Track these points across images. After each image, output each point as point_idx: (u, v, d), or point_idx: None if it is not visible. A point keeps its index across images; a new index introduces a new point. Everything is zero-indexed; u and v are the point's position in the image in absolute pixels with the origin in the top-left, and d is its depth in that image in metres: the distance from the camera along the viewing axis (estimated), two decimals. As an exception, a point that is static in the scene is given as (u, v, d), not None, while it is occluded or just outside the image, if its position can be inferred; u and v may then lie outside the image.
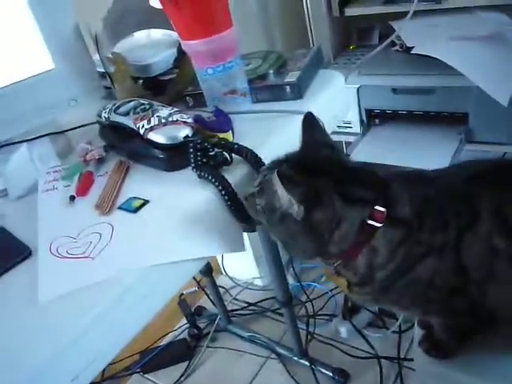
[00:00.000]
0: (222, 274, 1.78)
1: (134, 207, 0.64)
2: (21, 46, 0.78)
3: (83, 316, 0.50)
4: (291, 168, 0.58)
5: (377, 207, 0.57)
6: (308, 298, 1.62)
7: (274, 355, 1.54)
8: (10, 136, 0.82)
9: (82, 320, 0.50)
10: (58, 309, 0.52)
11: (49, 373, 0.48)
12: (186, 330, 1.67)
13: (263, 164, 0.66)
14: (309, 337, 1.51)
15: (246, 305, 1.72)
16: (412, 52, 1.30)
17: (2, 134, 0.80)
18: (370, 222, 0.57)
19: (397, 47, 1.44)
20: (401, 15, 1.37)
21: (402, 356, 1.39)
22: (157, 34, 1.00)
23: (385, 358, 1.40)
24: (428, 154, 1.26)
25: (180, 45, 0.80)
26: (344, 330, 1.50)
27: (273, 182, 0.56)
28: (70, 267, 0.57)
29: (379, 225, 0.57)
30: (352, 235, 0.58)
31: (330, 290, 1.66)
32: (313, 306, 1.62)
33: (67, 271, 0.57)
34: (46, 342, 0.49)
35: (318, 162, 0.60)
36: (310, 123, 0.64)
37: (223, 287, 1.76)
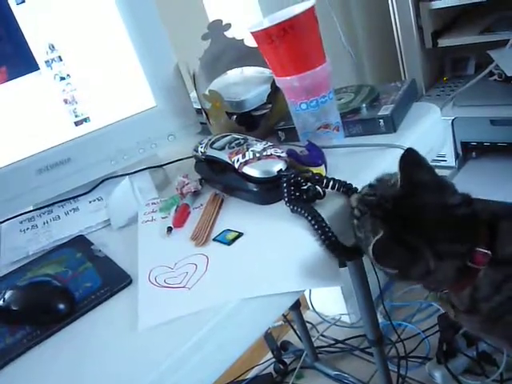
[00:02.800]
0: (309, 309, 1.75)
1: (229, 239, 0.65)
2: (126, 86, 0.84)
3: (181, 345, 0.51)
4: (389, 217, 0.57)
5: (479, 249, 0.56)
6: (399, 337, 1.55)
7: (362, 397, 1.47)
8: (114, 169, 0.87)
9: (180, 348, 0.51)
10: (156, 337, 0.53)
11: (147, 400, 0.49)
12: (272, 365, 1.65)
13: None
14: (400, 379, 1.44)
15: (333, 342, 1.67)
16: (513, 82, 1.23)
17: (107, 168, 0.85)
18: (470, 264, 0.56)
19: (495, 77, 1.38)
20: (498, 44, 1.32)
21: (504, 407, 1.28)
22: (249, 71, 1.03)
23: (485, 408, 1.30)
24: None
25: (274, 81, 0.82)
26: (439, 375, 1.41)
27: (368, 250, 0.56)
28: (168, 296, 0.59)
29: (481, 267, 0.56)
30: (449, 279, 0.58)
31: (423, 331, 1.58)
32: (404, 347, 1.54)
33: (165, 300, 0.58)
34: (146, 368, 0.50)
35: (415, 211, 0.58)
36: (411, 161, 0.60)
37: (310, 322, 1.73)
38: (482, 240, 0.56)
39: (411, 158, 0.60)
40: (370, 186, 0.63)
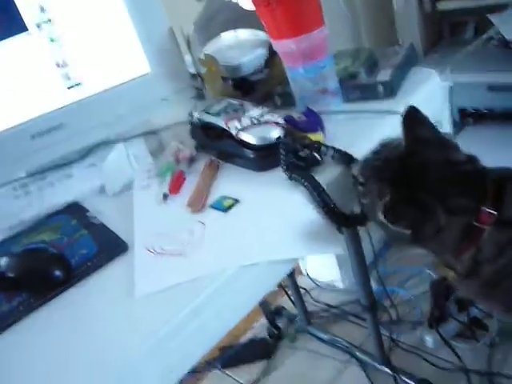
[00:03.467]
0: (302, 274, 1.77)
1: (225, 206, 0.65)
2: (119, 50, 0.82)
3: (178, 312, 0.51)
4: (396, 177, 0.57)
5: (485, 209, 0.55)
6: (392, 303, 1.57)
7: (354, 360, 1.50)
8: (108, 135, 0.86)
9: (177, 315, 0.51)
10: (153, 304, 0.54)
11: (145, 365, 0.50)
12: (266, 329, 1.68)
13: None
14: (392, 344, 1.46)
15: (326, 307, 1.70)
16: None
17: (101, 133, 0.84)
18: (475, 223, 0.56)
19: (494, 42, 1.36)
20: (498, 8, 1.30)
21: (493, 371, 1.31)
22: (244, 34, 1.01)
23: (474, 371, 1.33)
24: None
25: (270, 45, 0.80)
26: (430, 340, 1.44)
27: (377, 214, 0.56)
28: (164, 263, 0.59)
29: (486, 227, 0.56)
30: (455, 238, 0.57)
31: (415, 297, 1.60)
32: (397, 312, 1.56)
33: (162, 267, 0.58)
34: (143, 334, 0.51)
35: (422, 168, 0.57)
36: (413, 119, 0.60)
37: (304, 288, 1.75)
38: (489, 199, 0.56)
39: (414, 116, 0.60)
40: (374, 152, 0.62)
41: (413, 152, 0.58)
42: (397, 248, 1.66)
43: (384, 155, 0.60)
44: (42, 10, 0.76)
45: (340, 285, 1.76)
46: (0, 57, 0.75)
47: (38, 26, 0.76)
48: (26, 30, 0.75)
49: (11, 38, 0.75)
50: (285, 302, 1.73)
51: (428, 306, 1.49)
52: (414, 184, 0.56)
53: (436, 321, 1.44)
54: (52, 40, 0.77)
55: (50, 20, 0.76)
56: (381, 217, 0.55)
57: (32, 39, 0.76)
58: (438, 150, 0.59)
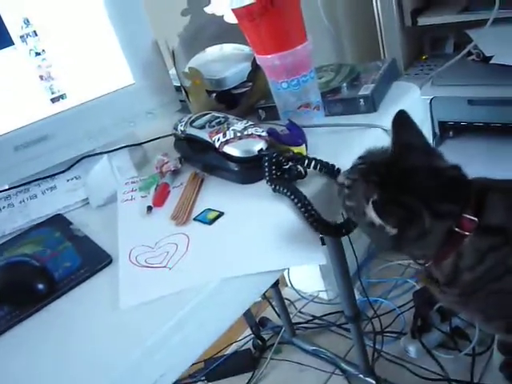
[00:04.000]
0: (287, 286, 1.77)
1: (210, 219, 0.65)
2: (103, 62, 0.82)
3: (162, 324, 0.51)
4: (382, 179, 0.58)
5: (466, 216, 0.57)
6: (375, 313, 1.58)
7: (338, 371, 1.51)
8: (92, 148, 0.86)
9: (161, 328, 0.51)
10: (138, 316, 0.54)
11: (130, 377, 0.50)
12: (250, 341, 1.68)
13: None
14: (375, 354, 1.47)
15: (311, 318, 1.70)
16: (491, 62, 1.25)
17: (85, 146, 0.84)
18: (457, 229, 0.57)
19: (473, 57, 1.39)
20: (477, 23, 1.33)
21: (475, 381, 1.32)
22: (228, 48, 1.02)
23: (456, 381, 1.34)
24: (508, 167, 1.20)
25: (254, 59, 0.81)
26: (413, 349, 1.45)
27: (365, 211, 0.57)
28: (149, 276, 0.59)
29: (467, 233, 0.57)
30: (437, 244, 0.58)
31: (399, 307, 1.61)
32: (380, 323, 1.57)
33: (146, 280, 0.58)
34: (127, 347, 0.51)
35: (408, 171, 0.59)
36: (403, 123, 0.61)
37: (288, 299, 1.75)
38: (471, 207, 0.57)
39: (403, 121, 0.61)
40: (361, 157, 0.64)
41: (400, 157, 0.60)
42: (381, 253, 1.67)
43: (371, 160, 0.61)
44: (27, 22, 0.76)
45: (324, 296, 1.77)
46: (-17, 69, 0.76)
47: (22, 38, 0.76)
48: (13, 44, 0.76)
49: (-5, 51, 0.75)
50: (269, 313, 1.73)
51: (411, 316, 1.51)
52: (400, 187, 0.57)
53: (419, 331, 1.45)
54: (36, 53, 0.78)
55: (34, 32, 0.77)
56: (369, 213, 0.56)
57: (16, 52, 0.76)
58: (424, 156, 0.60)
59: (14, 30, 0.75)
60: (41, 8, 0.76)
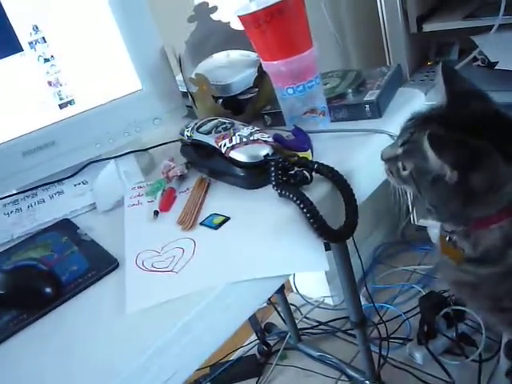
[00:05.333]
0: (292, 291, 1.77)
1: (216, 224, 0.66)
2: (111, 68, 0.83)
3: (168, 329, 0.52)
4: (442, 126, 0.53)
5: None
6: (381, 319, 1.58)
7: (344, 377, 1.50)
8: (100, 153, 0.87)
9: (166, 332, 0.52)
10: (144, 320, 0.54)
11: (135, 382, 0.50)
12: (256, 346, 1.68)
13: (344, 181, 0.66)
14: (381, 360, 1.47)
15: (316, 323, 1.70)
16: (496, 67, 1.25)
17: (93, 151, 0.85)
18: None
19: (478, 62, 1.39)
20: (482, 29, 1.33)
21: (482, 387, 1.32)
22: (235, 54, 1.03)
23: (463, 387, 1.33)
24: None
25: (260, 65, 0.82)
26: (419, 356, 1.45)
27: (423, 144, 0.51)
28: (155, 280, 0.59)
29: None
30: (508, 201, 0.52)
31: (404, 313, 1.61)
32: (386, 329, 1.57)
33: (152, 284, 0.59)
34: (133, 351, 0.51)
35: (471, 117, 0.54)
36: (450, 73, 0.58)
37: (294, 305, 1.75)
38: None
39: (450, 70, 0.59)
40: (408, 120, 0.59)
41: (457, 104, 0.56)
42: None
43: (425, 113, 0.56)
44: (36, 28, 0.77)
45: (330, 301, 1.77)
46: (-8, 74, 0.77)
47: (31, 44, 0.77)
48: (22, 50, 0.77)
49: (5, 56, 0.76)
50: (275, 318, 1.73)
51: (417, 322, 1.51)
52: (463, 130, 0.52)
53: (425, 337, 1.45)
54: (45, 59, 0.79)
55: (43, 39, 0.78)
56: (428, 154, 0.50)
57: (25, 58, 0.77)
58: (481, 101, 0.57)
59: (24, 36, 0.77)
60: (50, 15, 0.77)
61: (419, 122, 0.57)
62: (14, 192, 0.87)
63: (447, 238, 0.60)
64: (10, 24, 0.75)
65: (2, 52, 0.76)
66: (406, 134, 0.57)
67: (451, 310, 1.41)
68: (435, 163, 0.51)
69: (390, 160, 0.59)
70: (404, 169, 0.57)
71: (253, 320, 1.65)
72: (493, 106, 0.57)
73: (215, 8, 0.91)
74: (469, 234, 0.57)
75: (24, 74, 0.78)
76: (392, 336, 1.56)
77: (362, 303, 1.51)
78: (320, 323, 1.70)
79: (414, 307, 1.61)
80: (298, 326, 1.67)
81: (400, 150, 0.57)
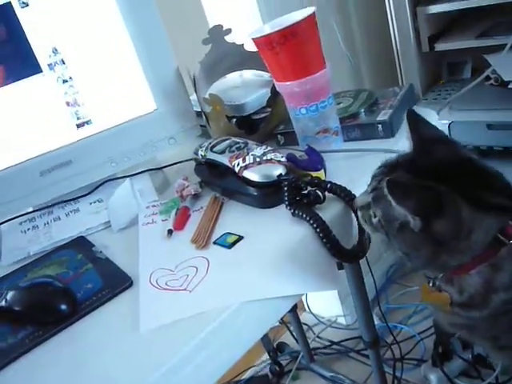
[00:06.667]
0: (305, 310, 1.76)
1: (229, 243, 0.66)
2: (127, 89, 0.85)
3: (180, 347, 0.52)
4: (407, 173, 0.53)
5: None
6: (395, 339, 1.56)
7: (357, 398, 1.48)
8: (115, 172, 0.88)
9: (181, 350, 0.52)
10: (158, 338, 0.54)
11: (148, 401, 0.50)
12: (268, 366, 1.66)
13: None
14: (395, 382, 1.45)
15: (329, 343, 1.68)
16: (510, 86, 1.25)
17: (108, 170, 0.86)
18: (500, 237, 0.50)
19: (491, 81, 1.39)
20: (495, 48, 1.33)
21: (499, 410, 1.29)
22: (248, 74, 1.04)
23: (480, 411, 1.31)
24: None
25: (274, 85, 0.83)
26: (434, 378, 1.42)
27: (384, 192, 0.51)
28: (169, 299, 0.60)
29: (510, 241, 0.50)
30: (481, 247, 0.51)
31: (419, 333, 1.59)
32: (400, 349, 1.55)
33: (166, 302, 0.59)
34: (147, 369, 0.51)
35: (436, 163, 0.54)
36: (416, 119, 0.59)
37: (306, 324, 1.74)
38: None
39: (416, 117, 0.59)
40: (381, 165, 0.59)
41: (422, 151, 0.56)
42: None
43: (393, 161, 0.57)
44: (55, 51, 0.79)
45: (343, 321, 1.75)
46: (13, 96, 0.79)
47: (51, 66, 0.79)
48: (41, 71, 0.79)
49: (25, 78, 0.78)
50: (287, 338, 1.72)
51: (431, 343, 1.48)
52: (426, 175, 0.51)
53: (440, 358, 1.43)
54: (64, 80, 0.81)
55: (62, 61, 0.80)
56: (388, 195, 0.49)
57: (44, 79, 0.79)
58: (447, 147, 0.56)
59: (43, 58, 0.79)
60: (69, 38, 0.79)
61: (386, 170, 0.57)
62: (31, 210, 0.88)
63: (430, 284, 0.60)
64: (30, 47, 0.77)
65: (22, 73, 0.78)
66: (375, 182, 0.58)
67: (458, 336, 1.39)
68: (398, 210, 0.51)
69: (363, 208, 0.60)
70: (374, 216, 0.57)
71: (265, 339, 1.64)
72: (460, 151, 0.56)
73: (229, 30, 0.93)
74: (451, 280, 0.56)
75: (43, 95, 0.80)
76: (406, 357, 1.54)
77: (376, 323, 1.50)
78: (333, 343, 1.68)
79: (428, 328, 1.59)
80: (311, 346, 1.65)
81: (369, 198, 0.58)
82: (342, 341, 1.67)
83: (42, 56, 0.79)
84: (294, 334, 1.65)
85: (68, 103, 0.82)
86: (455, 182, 0.51)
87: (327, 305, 1.75)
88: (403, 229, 0.53)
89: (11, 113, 0.79)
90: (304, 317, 1.76)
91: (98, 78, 0.83)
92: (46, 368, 0.56)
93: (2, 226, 0.87)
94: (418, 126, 0.58)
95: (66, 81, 0.81)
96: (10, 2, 0.75)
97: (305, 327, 1.68)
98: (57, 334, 0.60)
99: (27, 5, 0.76)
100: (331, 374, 1.56)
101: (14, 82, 0.78)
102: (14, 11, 0.75)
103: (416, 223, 0.51)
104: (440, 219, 0.50)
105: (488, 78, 1.38)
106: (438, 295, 0.59)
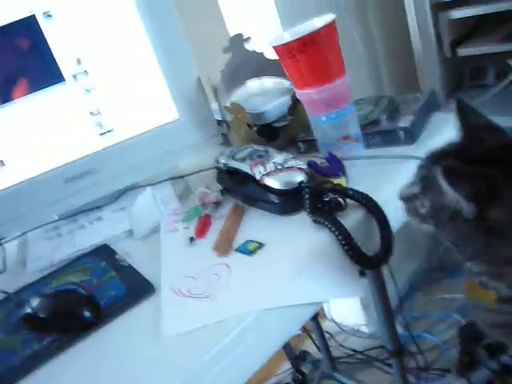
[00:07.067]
0: (327, 318, 1.75)
1: (250, 250, 0.66)
2: (150, 99, 0.86)
3: (205, 353, 0.52)
4: (458, 160, 0.52)
5: None
6: (419, 349, 1.54)
7: (381, 408, 1.46)
8: (138, 180, 0.89)
9: (203, 357, 0.52)
10: (180, 345, 0.55)
11: (171, 408, 0.50)
12: (290, 375, 1.65)
13: (379, 208, 0.65)
14: (420, 391, 1.43)
15: (352, 352, 1.67)
16: (534, 92, 1.23)
17: (131, 178, 0.87)
18: None
19: (515, 86, 1.37)
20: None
21: (527, 422, 1.26)
22: (269, 82, 1.05)
23: (507, 422, 1.28)
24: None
25: (294, 93, 0.83)
26: (459, 388, 1.39)
27: (436, 178, 0.50)
28: (191, 306, 0.60)
29: None
30: None
31: (443, 343, 1.56)
32: (424, 359, 1.52)
33: (188, 309, 0.60)
34: (169, 376, 0.51)
35: (486, 151, 0.53)
36: (465, 108, 0.58)
37: (328, 332, 1.72)
38: None
39: (465, 106, 0.58)
40: (427, 156, 0.59)
41: (473, 139, 0.55)
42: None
43: (440, 150, 0.56)
44: (79, 62, 0.81)
45: (365, 329, 1.73)
46: (38, 105, 0.80)
47: (75, 77, 0.81)
48: (63, 80, 0.80)
49: (49, 88, 0.80)
50: (309, 346, 1.70)
51: (456, 352, 1.46)
52: (482, 163, 0.51)
53: (465, 368, 1.40)
54: (87, 90, 0.82)
55: (85, 71, 0.81)
56: (444, 187, 0.49)
57: (68, 89, 0.81)
58: (497, 134, 0.56)
59: (67, 69, 0.80)
60: (92, 48, 0.81)
61: (435, 158, 0.57)
62: (56, 218, 0.90)
63: (477, 280, 0.59)
64: (54, 58, 0.79)
65: (47, 84, 0.80)
66: (423, 171, 0.57)
67: (492, 340, 1.36)
68: (451, 197, 0.50)
69: (408, 199, 0.59)
70: (422, 206, 0.56)
71: (287, 347, 1.63)
72: (509, 138, 0.56)
73: (249, 39, 0.94)
74: (501, 274, 0.55)
75: (67, 105, 0.82)
76: (430, 366, 1.51)
77: (399, 332, 1.47)
78: (355, 352, 1.66)
79: (453, 337, 1.56)
80: (333, 355, 1.64)
81: (417, 188, 0.57)
82: (365, 350, 1.65)
83: (66, 67, 0.80)
84: (316, 342, 1.64)
85: (91, 113, 0.84)
86: (507, 169, 0.50)
87: (350, 313, 1.73)
88: (455, 218, 0.52)
89: (36, 123, 0.81)
90: (326, 325, 1.74)
91: (120, 88, 0.84)
92: (70, 374, 0.57)
93: (27, 234, 0.89)
94: (467, 114, 0.58)
95: (90, 91, 0.82)
96: (33, 15, 0.77)
97: (327, 335, 1.66)
98: (81, 341, 0.61)
99: (51, 17, 0.77)
100: (354, 383, 1.54)
101: (38, 92, 0.79)
102: (37, 23, 0.77)
103: (470, 210, 0.50)
104: (495, 206, 0.49)
105: (512, 83, 1.37)
106: (485, 292, 0.57)
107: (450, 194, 0.50)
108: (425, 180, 0.56)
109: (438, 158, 0.56)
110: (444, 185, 0.50)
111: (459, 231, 0.53)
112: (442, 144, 0.59)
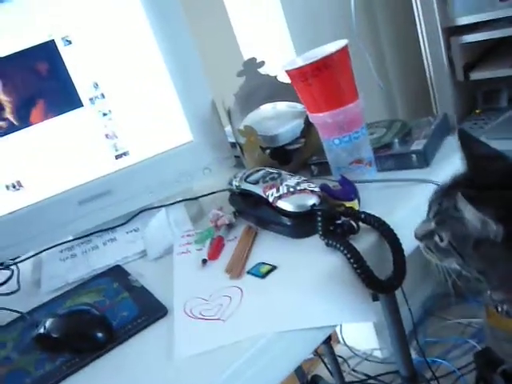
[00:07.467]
0: (340, 343, 1.73)
1: (263, 272, 0.66)
2: (164, 121, 0.88)
3: (217, 376, 0.52)
4: (471, 187, 0.53)
5: None
6: (433, 375, 1.51)
7: None
8: (151, 201, 0.90)
9: (215, 380, 0.52)
10: (192, 367, 0.55)
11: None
12: (302, 399, 1.62)
13: (392, 231, 0.65)
14: (435, 419, 1.40)
15: (364, 377, 1.64)
16: (548, 115, 1.22)
17: (145, 199, 0.88)
18: None
19: (529, 110, 1.37)
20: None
21: None
22: (282, 106, 1.06)
23: None
24: None
25: (307, 116, 0.84)
26: (475, 415, 1.36)
27: (458, 206, 0.51)
28: (203, 328, 0.60)
29: None
30: None
31: (459, 369, 1.53)
32: (439, 385, 1.49)
33: (200, 332, 0.60)
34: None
35: (494, 177, 0.54)
36: (467, 138, 0.59)
37: (341, 357, 1.70)
38: None
39: (467, 136, 0.59)
40: (435, 191, 0.60)
41: (479, 165, 0.56)
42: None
43: (448, 183, 0.57)
44: (96, 86, 0.82)
45: (379, 354, 1.71)
46: (55, 128, 0.82)
47: (92, 100, 0.83)
48: (82, 105, 0.82)
49: (68, 113, 0.82)
50: (321, 370, 1.68)
51: (472, 379, 1.43)
52: (493, 189, 0.51)
53: (482, 395, 1.37)
54: (104, 114, 0.84)
55: (102, 95, 0.83)
56: (467, 215, 0.49)
57: (85, 113, 0.83)
58: (501, 161, 0.57)
59: (84, 92, 0.82)
60: (109, 73, 0.83)
61: (445, 192, 0.57)
62: (70, 238, 0.91)
63: (498, 309, 0.58)
64: (72, 82, 0.81)
65: (65, 107, 0.82)
66: (436, 206, 0.57)
67: (510, 366, 1.33)
68: (475, 222, 0.50)
69: (425, 236, 0.59)
70: (441, 240, 0.56)
71: (299, 372, 1.60)
72: None
73: (263, 63, 0.95)
74: None
75: (84, 128, 0.84)
76: (446, 393, 1.48)
77: (413, 357, 1.45)
78: (369, 377, 1.64)
79: (468, 363, 1.54)
80: (346, 379, 1.61)
81: (433, 223, 0.57)
82: (378, 375, 1.63)
83: (83, 90, 0.82)
84: (328, 366, 1.61)
85: (107, 135, 0.85)
86: None
87: (363, 337, 1.71)
88: (479, 245, 0.52)
89: (53, 145, 0.83)
90: (339, 349, 1.72)
91: (136, 111, 0.86)
92: (82, 396, 0.57)
93: (42, 254, 0.90)
94: (471, 144, 0.59)
95: (106, 114, 0.84)
96: (53, 40, 0.79)
97: (340, 360, 1.64)
98: (93, 362, 0.61)
99: (70, 42, 0.80)
100: (367, 410, 1.51)
101: (56, 115, 0.81)
102: (57, 48, 0.79)
103: (499, 231, 0.49)
104: None
105: (526, 106, 1.36)
106: (507, 321, 0.58)
107: (474, 220, 0.50)
108: (438, 214, 0.57)
109: (448, 190, 0.57)
110: (470, 210, 0.50)
111: (486, 258, 0.53)
112: (450, 176, 0.60)
